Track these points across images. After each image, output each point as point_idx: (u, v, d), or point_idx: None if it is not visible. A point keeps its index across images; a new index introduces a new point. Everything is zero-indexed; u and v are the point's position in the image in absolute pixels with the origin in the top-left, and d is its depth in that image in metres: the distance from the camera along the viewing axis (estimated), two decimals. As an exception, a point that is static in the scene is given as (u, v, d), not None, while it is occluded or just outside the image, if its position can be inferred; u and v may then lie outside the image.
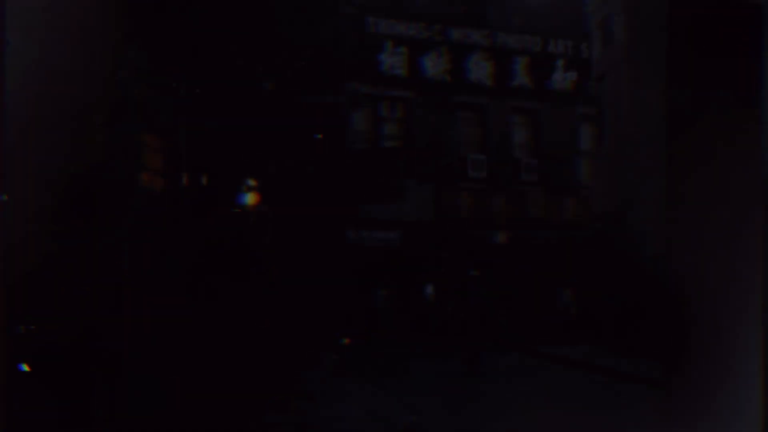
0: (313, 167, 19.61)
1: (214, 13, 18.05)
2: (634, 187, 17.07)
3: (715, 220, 3.46)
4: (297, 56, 20.30)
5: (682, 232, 3.51)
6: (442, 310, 19.64)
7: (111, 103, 10.68)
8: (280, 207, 19.38)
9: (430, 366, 15.93)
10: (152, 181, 16.97)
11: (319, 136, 19.97)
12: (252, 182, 18.74)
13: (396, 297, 20.11)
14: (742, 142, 3.50)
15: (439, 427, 9.94)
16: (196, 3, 17.38)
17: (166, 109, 17.08)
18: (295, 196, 19.49)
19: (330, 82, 20.90)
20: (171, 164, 17.46)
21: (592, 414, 10.78)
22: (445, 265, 20.98)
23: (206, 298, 16.59)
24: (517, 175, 22.83)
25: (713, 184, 3.49)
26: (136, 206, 13.63)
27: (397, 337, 18.79)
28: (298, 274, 18.91)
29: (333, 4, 21.15)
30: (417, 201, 21.42)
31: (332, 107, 20.86)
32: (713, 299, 3.46)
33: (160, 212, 16.38)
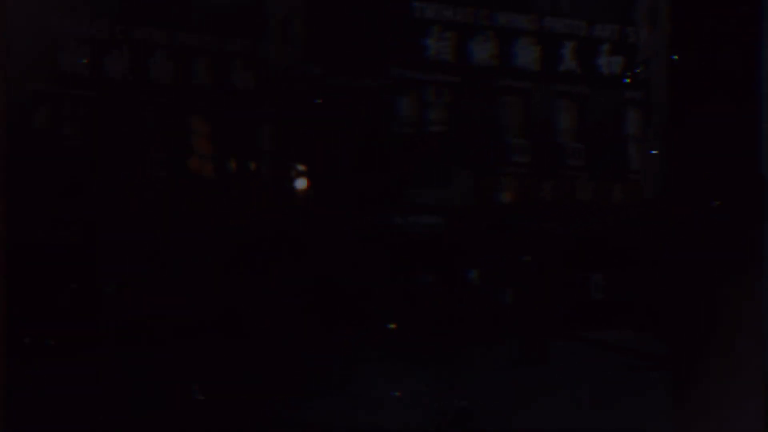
0: (357, 152, 19.75)
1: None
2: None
3: (717, 208, 3.46)
4: (343, 41, 20.42)
5: (686, 223, 3.52)
6: (488, 296, 19.68)
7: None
8: (324, 192, 19.56)
9: (482, 352, 15.90)
10: (201, 167, 17.27)
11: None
12: (300, 167, 18.96)
13: (440, 282, 20.18)
14: (743, 127, 3.49)
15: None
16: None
17: (218, 95, 17.32)
18: (340, 181, 19.65)
19: (376, 67, 20.98)
20: (220, 150, 17.75)
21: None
22: (490, 251, 21.01)
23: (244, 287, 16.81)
24: (563, 160, 22.74)
25: (717, 172, 3.48)
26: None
27: (442, 322, 18.86)
28: (341, 260, 19.08)
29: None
30: (460, 186, 21.45)
31: (378, 92, 20.96)
32: (718, 291, 3.47)
33: (209, 198, 16.66)
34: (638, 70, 21.78)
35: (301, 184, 19.51)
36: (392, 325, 18.32)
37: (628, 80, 22.30)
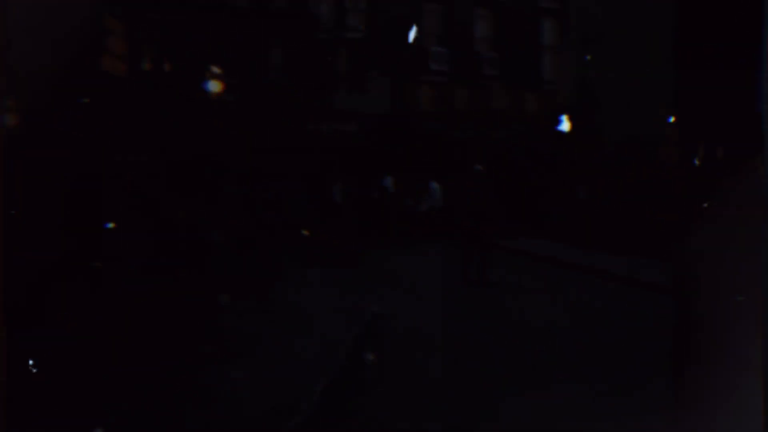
0: (278, 57, 19.20)
1: None
2: (601, 84, 17.24)
3: (718, 218, 3.48)
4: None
5: (689, 233, 3.55)
6: (406, 204, 19.71)
7: None
8: (244, 97, 19.01)
9: (403, 261, 15.84)
10: (114, 66, 16.42)
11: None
12: (216, 70, 18.26)
13: (354, 190, 20.04)
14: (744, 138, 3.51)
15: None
16: None
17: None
18: (263, 85, 19.11)
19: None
20: (134, 50, 16.89)
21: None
22: (407, 159, 20.99)
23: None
24: (480, 69, 22.70)
25: (718, 186, 3.51)
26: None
27: (358, 231, 18.81)
28: (259, 170, 18.67)
29: None
30: (376, 93, 21.19)
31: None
32: (717, 297, 3.51)
33: (123, 97, 15.92)
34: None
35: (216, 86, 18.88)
36: (305, 232, 18.15)
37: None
